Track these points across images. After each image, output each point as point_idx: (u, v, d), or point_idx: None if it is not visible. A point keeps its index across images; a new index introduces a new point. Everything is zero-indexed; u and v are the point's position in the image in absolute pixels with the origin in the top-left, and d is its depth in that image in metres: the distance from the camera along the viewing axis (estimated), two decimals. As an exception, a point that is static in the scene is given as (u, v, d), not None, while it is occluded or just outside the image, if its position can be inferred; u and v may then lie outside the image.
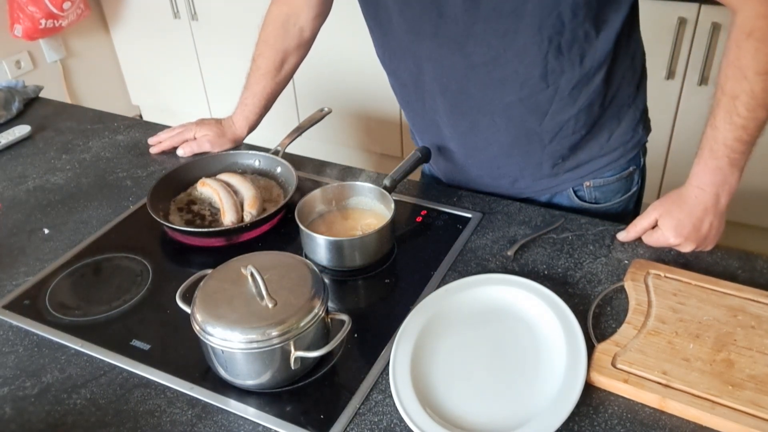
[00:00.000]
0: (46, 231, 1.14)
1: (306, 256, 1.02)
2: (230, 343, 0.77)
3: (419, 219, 1.12)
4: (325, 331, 0.84)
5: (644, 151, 1.17)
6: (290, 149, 1.28)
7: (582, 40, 0.95)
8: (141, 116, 3.44)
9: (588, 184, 1.14)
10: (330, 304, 0.87)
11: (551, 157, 1.10)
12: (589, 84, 1.01)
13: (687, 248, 0.99)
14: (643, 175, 1.19)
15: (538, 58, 0.97)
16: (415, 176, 1.18)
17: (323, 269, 1.00)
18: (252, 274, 0.80)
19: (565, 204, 1.17)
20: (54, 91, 2.95)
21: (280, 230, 1.11)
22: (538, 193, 1.17)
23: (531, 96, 1.01)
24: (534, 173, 1.14)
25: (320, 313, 0.81)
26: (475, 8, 0.94)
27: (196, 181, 1.20)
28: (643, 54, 1.10)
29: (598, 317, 0.90)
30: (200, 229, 1.09)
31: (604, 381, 0.80)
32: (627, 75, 1.05)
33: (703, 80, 2.05)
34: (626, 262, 0.99)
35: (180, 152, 1.34)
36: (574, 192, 1.15)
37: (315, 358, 0.83)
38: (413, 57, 1.06)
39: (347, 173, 1.26)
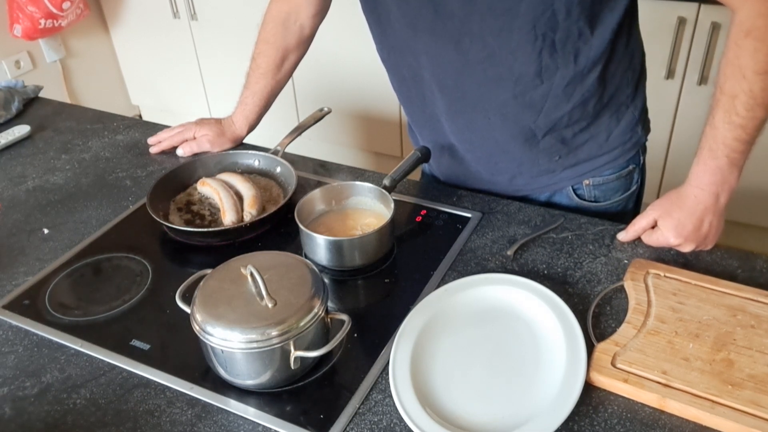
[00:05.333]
0: (46, 231, 1.14)
1: (306, 256, 1.02)
2: (230, 342, 0.77)
3: (419, 219, 1.12)
4: (324, 331, 0.84)
5: (644, 150, 1.17)
6: (290, 149, 1.28)
7: (576, 38, 0.96)
8: (141, 116, 3.44)
9: (587, 182, 1.14)
10: (330, 304, 0.87)
11: (547, 153, 1.10)
12: (584, 82, 1.01)
13: (687, 248, 0.99)
14: (643, 174, 1.19)
15: (533, 56, 0.97)
16: (415, 176, 1.18)
17: (323, 269, 1.00)
18: (252, 274, 0.80)
19: (565, 202, 1.17)
20: (53, 91, 2.95)
21: (280, 230, 1.11)
22: (536, 190, 1.17)
23: (525, 93, 1.02)
24: (531, 169, 1.14)
25: (320, 312, 0.81)
26: (470, 5, 0.94)
27: (196, 181, 1.20)
28: (643, 54, 1.10)
29: (597, 317, 0.90)
30: (200, 229, 1.09)
31: (603, 381, 0.80)
32: (626, 75, 1.06)
33: (703, 80, 2.05)
34: (626, 261, 0.99)
35: (180, 152, 1.34)
36: (574, 190, 1.15)
37: (315, 358, 0.83)
38: (412, 52, 1.07)
39: (347, 173, 1.26)
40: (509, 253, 1.02)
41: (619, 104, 1.08)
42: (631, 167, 1.15)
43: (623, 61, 1.03)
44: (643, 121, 1.13)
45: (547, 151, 1.10)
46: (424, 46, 1.04)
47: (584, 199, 1.16)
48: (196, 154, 1.33)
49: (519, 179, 1.16)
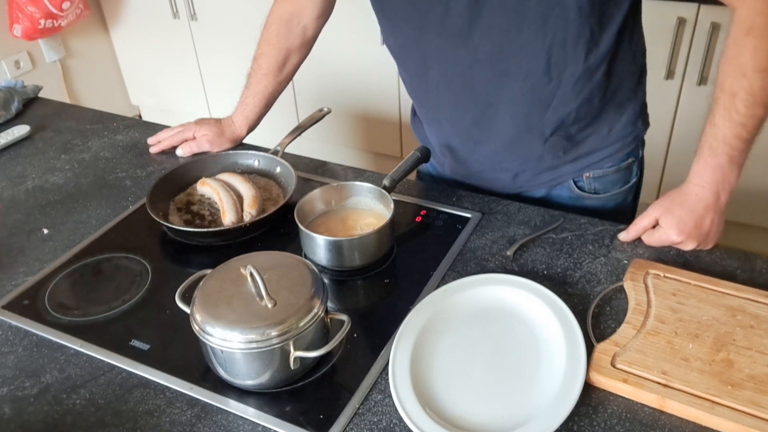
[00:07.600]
0: (46, 231, 1.14)
1: (305, 256, 1.02)
2: (230, 343, 0.77)
3: (419, 219, 1.12)
4: (324, 331, 0.83)
5: (643, 144, 1.18)
6: (290, 149, 1.28)
7: (588, 37, 0.96)
8: (140, 116, 3.44)
9: (588, 175, 1.15)
10: (329, 304, 0.87)
11: (552, 150, 1.11)
12: (592, 78, 1.01)
13: (689, 246, 0.99)
14: (642, 168, 1.20)
15: (542, 53, 0.97)
16: (412, 176, 1.18)
17: (323, 269, 1.00)
18: (251, 274, 0.80)
19: (565, 194, 1.17)
20: (53, 91, 2.95)
21: (279, 230, 1.11)
22: (538, 186, 1.18)
23: (534, 89, 1.02)
24: (535, 167, 1.14)
25: (320, 313, 0.80)
26: (479, 3, 0.94)
27: (195, 181, 1.20)
28: (644, 49, 1.10)
29: (597, 317, 0.90)
30: (200, 229, 1.09)
31: (603, 381, 0.80)
32: (629, 70, 1.06)
33: (703, 80, 2.05)
34: (625, 261, 0.99)
35: (179, 152, 1.34)
36: (574, 182, 1.16)
37: (314, 358, 0.83)
38: (419, 50, 1.07)
39: (347, 173, 1.26)
40: (509, 253, 1.02)
41: (622, 99, 1.08)
42: (630, 160, 1.15)
43: (627, 56, 1.04)
44: (643, 115, 1.14)
45: (553, 147, 1.10)
46: (432, 44, 1.04)
47: (584, 191, 1.16)
48: (195, 154, 1.33)
49: (522, 176, 1.16)
